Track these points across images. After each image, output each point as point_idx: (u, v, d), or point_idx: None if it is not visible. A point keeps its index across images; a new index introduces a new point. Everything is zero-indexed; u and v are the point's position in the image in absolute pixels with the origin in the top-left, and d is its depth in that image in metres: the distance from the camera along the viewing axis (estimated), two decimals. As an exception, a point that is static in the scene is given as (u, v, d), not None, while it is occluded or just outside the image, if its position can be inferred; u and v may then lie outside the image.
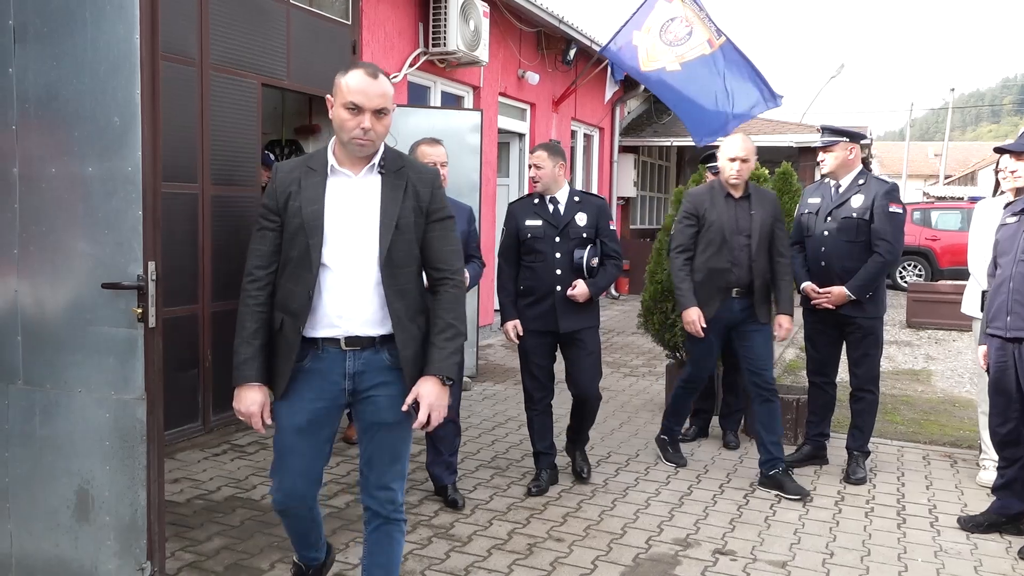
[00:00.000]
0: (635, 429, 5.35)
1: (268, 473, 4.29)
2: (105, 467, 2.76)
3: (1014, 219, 3.63)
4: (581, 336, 4.12)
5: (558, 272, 4.06)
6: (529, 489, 4.17)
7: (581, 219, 4.10)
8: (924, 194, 30.92)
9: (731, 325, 4.33)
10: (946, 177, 37.56)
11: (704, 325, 4.25)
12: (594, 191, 10.13)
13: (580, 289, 4.03)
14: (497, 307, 4.39)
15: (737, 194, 4.30)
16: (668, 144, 13.65)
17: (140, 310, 2.65)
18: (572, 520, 3.82)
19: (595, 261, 4.08)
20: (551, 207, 4.12)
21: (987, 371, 3.78)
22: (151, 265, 2.65)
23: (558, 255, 4.06)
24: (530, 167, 4.16)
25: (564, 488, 4.23)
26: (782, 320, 4.32)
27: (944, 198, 21.96)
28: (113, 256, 2.68)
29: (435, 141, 3.92)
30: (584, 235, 4.09)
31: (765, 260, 4.29)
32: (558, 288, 4.05)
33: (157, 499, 2.76)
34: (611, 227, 4.22)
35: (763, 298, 4.30)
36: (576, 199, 4.15)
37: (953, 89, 40.23)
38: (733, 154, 4.21)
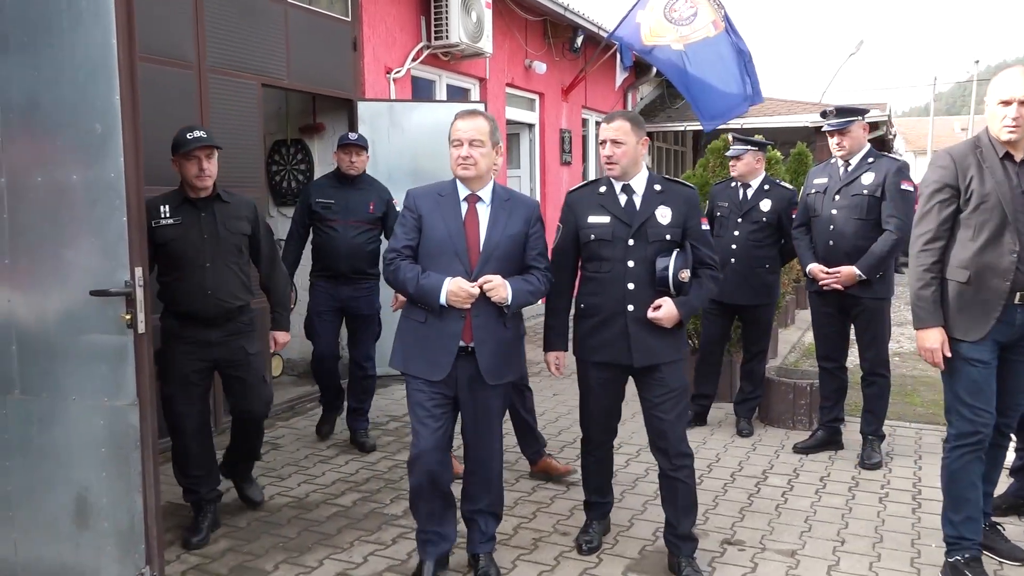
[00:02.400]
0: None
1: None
2: (101, 474, 2.77)
3: None
4: (662, 372, 3.12)
5: (630, 287, 3.08)
6: (579, 545, 3.39)
7: (663, 215, 3.10)
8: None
9: (1008, 344, 3.06)
10: (973, 151, 36.86)
11: (948, 354, 3.02)
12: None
13: (665, 311, 3.02)
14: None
15: (1019, 154, 2.98)
16: (682, 129, 13.51)
17: (128, 316, 2.65)
18: (579, 513, 3.76)
19: (685, 274, 3.04)
20: (623, 198, 3.14)
21: None
22: (138, 271, 2.65)
23: (631, 264, 3.08)
24: (602, 143, 3.15)
25: (573, 481, 4.19)
26: None
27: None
28: (100, 263, 2.68)
29: (471, 113, 2.97)
30: (667, 236, 3.08)
31: None
32: (630, 308, 3.07)
33: (154, 504, 2.77)
34: (704, 226, 3.21)
35: None
36: (657, 188, 3.14)
37: (978, 61, 39.54)
38: (1010, 94, 2.90)
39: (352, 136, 4.78)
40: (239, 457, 3.79)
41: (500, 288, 2.85)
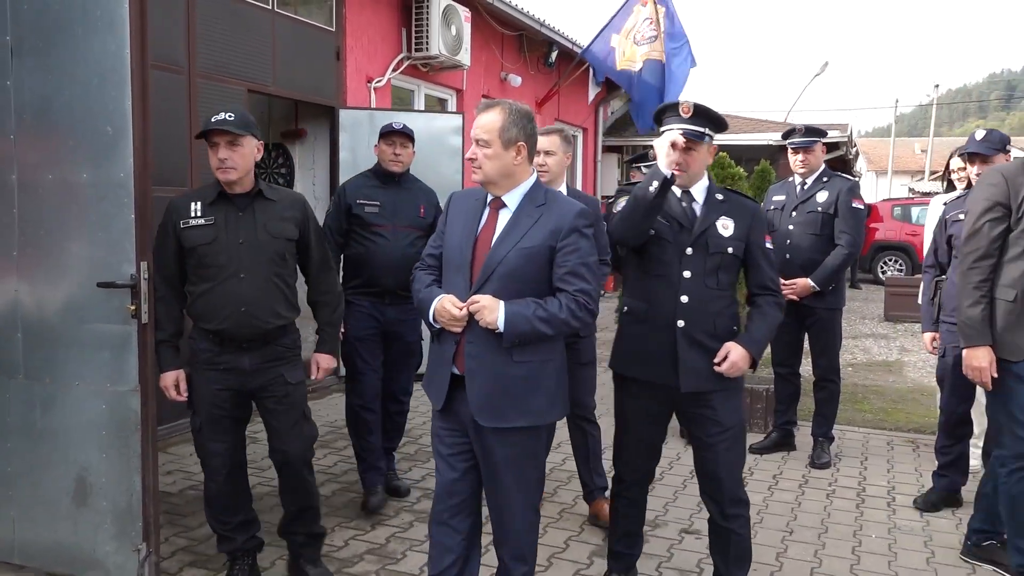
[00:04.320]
0: (613, 420, 5.54)
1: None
2: (102, 455, 2.94)
3: None
4: (713, 404, 2.74)
5: (684, 299, 2.73)
6: None
7: (725, 226, 2.77)
8: (909, 190, 31.32)
9: None
10: (932, 173, 37.94)
11: (995, 375, 3.03)
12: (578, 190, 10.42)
13: (735, 358, 2.69)
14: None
15: None
16: (651, 144, 13.85)
17: (133, 307, 2.83)
18: (548, 504, 4.00)
19: None
20: (683, 204, 2.81)
21: (941, 355, 4.00)
22: (143, 264, 2.84)
23: (687, 274, 2.74)
24: (672, 145, 2.70)
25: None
26: None
27: (929, 194, 22.35)
28: (107, 257, 2.86)
29: (486, 106, 2.52)
30: (729, 249, 2.76)
31: None
32: (680, 324, 2.72)
33: (152, 485, 2.94)
34: (767, 245, 2.86)
35: None
36: (719, 197, 2.82)
37: (937, 85, 40.62)
38: None
39: (397, 124, 4.02)
40: (292, 517, 3.15)
41: (486, 310, 2.35)
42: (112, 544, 2.96)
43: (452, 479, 2.55)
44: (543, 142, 3.69)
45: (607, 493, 3.71)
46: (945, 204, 4.19)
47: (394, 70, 7.22)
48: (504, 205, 2.50)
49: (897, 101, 43.73)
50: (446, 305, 2.41)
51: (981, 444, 4.15)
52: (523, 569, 2.59)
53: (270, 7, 5.74)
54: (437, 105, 8.37)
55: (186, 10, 4.98)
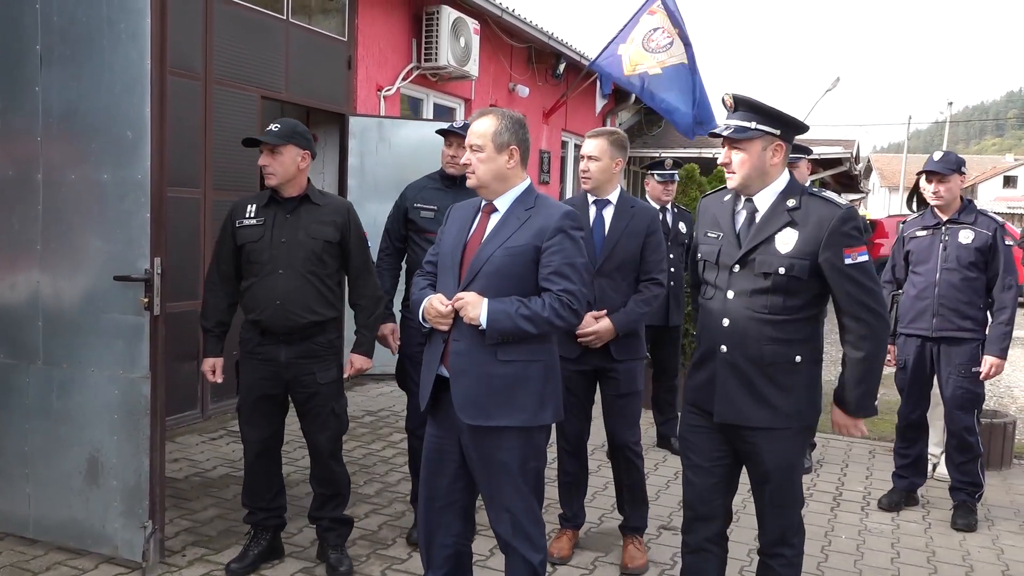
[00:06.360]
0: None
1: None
2: (113, 437, 3.15)
3: (926, 232, 4.08)
4: (756, 444, 2.48)
5: (725, 322, 2.49)
6: None
7: (786, 241, 2.40)
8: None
9: None
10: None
11: None
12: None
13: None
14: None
15: None
16: (657, 155, 14.04)
17: (147, 300, 3.05)
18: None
19: None
20: (743, 214, 2.53)
21: (900, 367, 4.22)
22: (157, 260, 3.05)
23: (731, 295, 2.49)
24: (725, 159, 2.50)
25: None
26: None
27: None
28: (124, 252, 3.08)
29: (480, 113, 2.62)
30: (781, 270, 2.39)
31: None
32: (723, 349, 2.49)
33: (159, 467, 3.15)
34: (851, 259, 2.35)
35: None
36: (790, 204, 2.42)
37: (951, 103, 40.69)
38: None
39: (456, 124, 3.71)
40: (319, 503, 3.35)
41: (469, 306, 2.42)
42: (120, 521, 3.17)
43: (444, 484, 2.59)
44: (586, 146, 3.50)
45: (640, 536, 3.67)
46: (903, 223, 4.41)
47: (403, 79, 7.45)
48: (496, 209, 2.58)
49: (910, 118, 43.91)
50: (433, 303, 2.49)
51: (938, 452, 4.39)
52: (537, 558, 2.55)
53: (285, 17, 5.98)
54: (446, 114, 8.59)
55: (204, 19, 5.21)
